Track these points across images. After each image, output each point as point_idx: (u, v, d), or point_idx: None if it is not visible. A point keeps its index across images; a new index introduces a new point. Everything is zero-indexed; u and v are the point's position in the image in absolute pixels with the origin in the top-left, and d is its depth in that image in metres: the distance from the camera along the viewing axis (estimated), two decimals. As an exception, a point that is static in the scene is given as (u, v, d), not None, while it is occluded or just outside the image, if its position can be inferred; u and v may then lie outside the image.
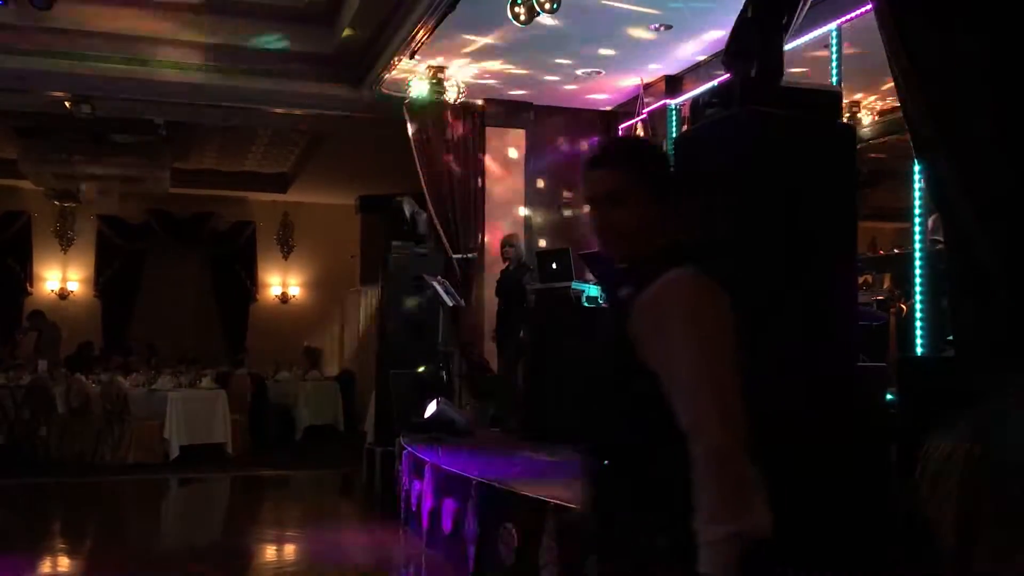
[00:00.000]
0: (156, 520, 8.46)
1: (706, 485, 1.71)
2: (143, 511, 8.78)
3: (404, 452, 7.15)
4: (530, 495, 4.83)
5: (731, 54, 3.61)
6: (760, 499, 1.72)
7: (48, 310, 14.03)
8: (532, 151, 9.97)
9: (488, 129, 9.82)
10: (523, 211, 9.88)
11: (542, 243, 9.65)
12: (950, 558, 0.95)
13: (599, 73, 8.91)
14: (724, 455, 1.71)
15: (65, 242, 15.41)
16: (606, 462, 1.92)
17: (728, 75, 3.68)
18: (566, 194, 10.10)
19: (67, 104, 10.06)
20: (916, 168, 5.58)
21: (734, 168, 3.42)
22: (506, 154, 9.91)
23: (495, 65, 8.80)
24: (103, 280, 15.50)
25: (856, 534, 3.29)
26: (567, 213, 10.06)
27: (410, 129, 9.61)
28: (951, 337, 3.79)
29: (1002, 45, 2.79)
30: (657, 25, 7.65)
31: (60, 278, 15.44)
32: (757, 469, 1.73)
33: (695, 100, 3.93)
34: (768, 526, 1.70)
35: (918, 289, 5.70)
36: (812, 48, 6.65)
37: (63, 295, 15.37)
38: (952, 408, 0.98)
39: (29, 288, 15.14)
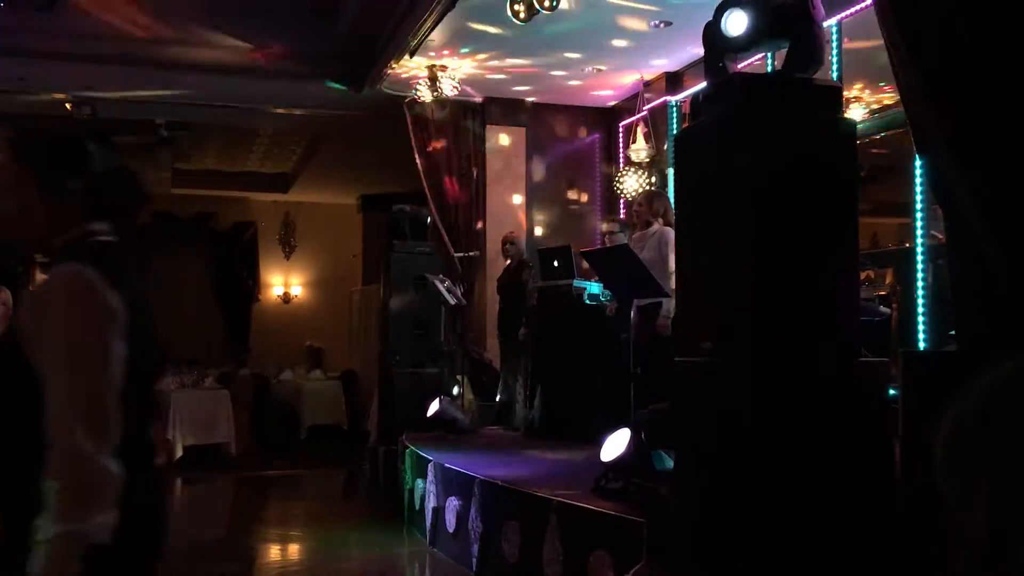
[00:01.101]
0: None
1: (56, 486, 1.67)
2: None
3: (407, 451, 7.16)
4: (534, 493, 4.83)
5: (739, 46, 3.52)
6: (107, 503, 1.69)
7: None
8: (533, 148, 9.96)
9: (488, 127, 9.80)
10: (524, 209, 9.87)
11: (542, 241, 9.64)
12: (983, 558, 0.94)
13: (600, 70, 8.90)
14: (77, 458, 1.67)
15: (68, 243, 15.38)
16: None
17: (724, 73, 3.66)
18: (568, 192, 10.09)
19: (68, 106, 10.07)
20: (918, 163, 5.57)
21: (734, 165, 3.42)
22: (507, 152, 9.90)
23: (495, 63, 8.79)
24: (105, 281, 15.50)
25: (860, 531, 3.29)
26: (569, 210, 10.06)
27: (411, 127, 9.60)
28: (953, 331, 3.78)
29: (1003, 36, 2.79)
30: (657, 22, 7.65)
31: (63, 279, 15.44)
32: (117, 473, 1.70)
33: (695, 97, 3.92)
34: (108, 530, 1.68)
35: (920, 284, 5.70)
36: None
37: (66, 296, 15.36)
38: (956, 403, 0.97)
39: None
